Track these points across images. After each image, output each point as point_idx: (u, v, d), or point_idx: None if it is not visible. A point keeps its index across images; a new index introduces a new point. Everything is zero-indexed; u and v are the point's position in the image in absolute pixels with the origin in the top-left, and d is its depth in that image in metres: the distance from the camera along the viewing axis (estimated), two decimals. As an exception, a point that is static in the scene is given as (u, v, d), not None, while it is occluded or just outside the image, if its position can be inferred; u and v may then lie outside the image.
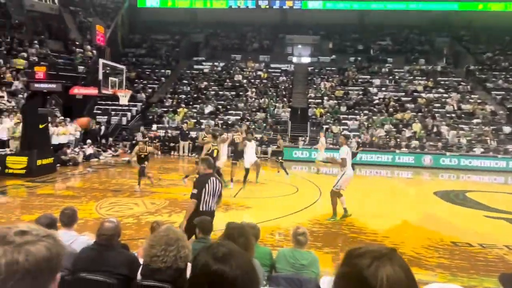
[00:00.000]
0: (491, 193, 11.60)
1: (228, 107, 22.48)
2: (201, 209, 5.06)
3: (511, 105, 21.23)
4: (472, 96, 22.39)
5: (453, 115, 20.85)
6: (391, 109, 21.42)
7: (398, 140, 18.82)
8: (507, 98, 21.89)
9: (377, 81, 24.49)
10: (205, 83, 24.82)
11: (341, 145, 8.35)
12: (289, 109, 22.21)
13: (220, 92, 23.92)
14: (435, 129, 19.58)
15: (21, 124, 12.93)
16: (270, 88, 24.20)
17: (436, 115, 20.79)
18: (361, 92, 23.44)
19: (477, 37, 28.17)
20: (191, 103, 22.77)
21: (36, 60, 19.96)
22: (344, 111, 21.77)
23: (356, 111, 21.61)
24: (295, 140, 19.60)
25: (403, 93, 23.26)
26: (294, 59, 28.22)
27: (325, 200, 9.82)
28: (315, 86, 24.43)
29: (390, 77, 25.02)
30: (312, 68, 26.79)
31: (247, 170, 11.04)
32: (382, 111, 21.43)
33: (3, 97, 15.67)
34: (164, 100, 23.17)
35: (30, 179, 10.78)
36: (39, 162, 11.45)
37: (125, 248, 3.16)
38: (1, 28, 20.98)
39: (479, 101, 21.71)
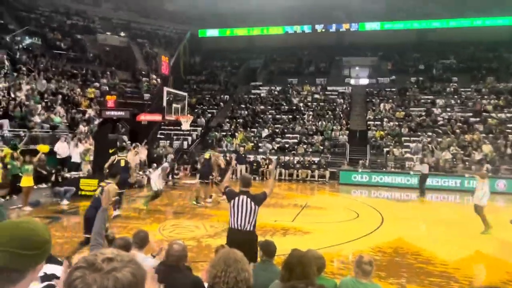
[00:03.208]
0: None
1: (285, 130, 22.48)
2: (231, 225, 5.07)
3: None
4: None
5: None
6: (457, 130, 20.18)
7: (467, 163, 17.60)
8: None
9: (441, 101, 23.30)
10: (262, 107, 25.10)
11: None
12: (347, 132, 21.72)
13: (277, 116, 24.02)
14: (508, 151, 18.08)
15: (92, 148, 13.81)
16: (328, 111, 23.90)
17: (510, 136, 19.24)
18: (423, 113, 22.38)
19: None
20: (248, 127, 23.07)
21: (107, 89, 21.44)
22: (405, 133, 20.87)
23: (419, 133, 20.60)
24: (354, 164, 19.03)
25: (471, 113, 21.84)
26: (352, 81, 27.73)
27: (387, 226, 9.41)
28: (374, 107, 23.75)
29: (456, 97, 23.69)
30: (370, 89, 26.07)
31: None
32: (448, 132, 20.23)
33: (79, 123, 16.84)
34: (223, 124, 23.68)
35: None
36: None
37: (189, 270, 3.22)
38: (78, 61, 22.94)
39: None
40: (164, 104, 15.50)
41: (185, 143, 21.69)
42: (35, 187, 10.96)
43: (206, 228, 8.71)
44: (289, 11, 29.51)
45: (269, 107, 25.18)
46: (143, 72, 25.44)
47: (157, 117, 17.91)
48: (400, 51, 28.91)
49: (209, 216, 10.01)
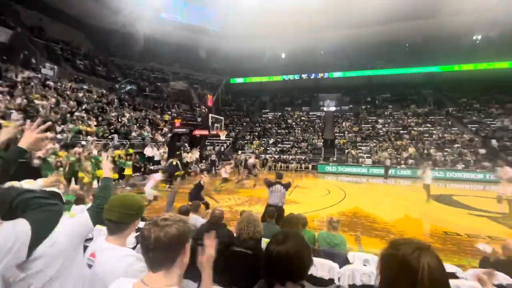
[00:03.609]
0: (472, 197, 9.98)
1: (284, 139, 22.33)
2: (269, 202, 4.91)
3: (484, 133, 18.44)
4: (452, 128, 19.88)
5: (439, 142, 18.60)
6: (392, 138, 19.75)
7: (398, 159, 17.19)
8: (480, 129, 19.09)
9: (381, 120, 22.85)
10: (269, 125, 25.09)
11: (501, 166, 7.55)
12: (322, 140, 21.46)
13: (279, 131, 24.00)
14: (426, 152, 17.60)
15: (167, 151, 14.01)
16: (310, 127, 23.68)
17: (426, 141, 18.72)
18: (370, 128, 21.99)
19: (454, 87, 25.19)
20: (261, 137, 23.07)
21: (175, 115, 21.77)
22: (359, 141, 20.51)
23: (368, 140, 20.23)
24: (326, 159, 18.75)
25: (400, 128, 21.35)
26: (325, 109, 27.22)
27: (348, 199, 9.25)
28: (338, 125, 23.45)
29: (391, 117, 23.22)
30: (336, 113, 25.75)
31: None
32: (386, 140, 19.82)
33: (157, 136, 17.09)
34: (245, 136, 23.77)
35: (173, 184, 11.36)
36: (177, 173, 12.16)
37: (225, 226, 3.20)
38: (158, 99, 23.34)
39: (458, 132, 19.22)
40: (209, 124, 15.68)
41: (222, 148, 21.86)
42: (133, 175, 11.21)
43: (235, 200, 8.74)
44: (285, 66, 29.58)
45: (274, 125, 25.18)
46: (197, 105, 25.75)
47: (205, 132, 18.09)
48: (355, 89, 28.46)
49: (237, 193, 10.01)
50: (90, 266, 1.32)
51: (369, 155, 18.18)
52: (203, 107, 25.38)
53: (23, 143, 1.43)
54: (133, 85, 22.34)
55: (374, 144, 19.39)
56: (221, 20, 27.19)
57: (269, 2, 23.27)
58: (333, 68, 28.39)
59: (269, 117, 26.79)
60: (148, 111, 20.14)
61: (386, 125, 22.00)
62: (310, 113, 26.41)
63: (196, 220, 3.65)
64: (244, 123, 26.47)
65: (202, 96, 26.91)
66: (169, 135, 17.08)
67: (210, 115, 16.83)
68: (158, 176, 7.53)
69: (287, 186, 4.97)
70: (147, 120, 18.31)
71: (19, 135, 1.58)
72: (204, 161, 17.01)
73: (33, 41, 17.11)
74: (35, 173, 6.61)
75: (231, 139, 23.14)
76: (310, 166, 18.17)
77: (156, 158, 13.98)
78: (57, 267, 1.09)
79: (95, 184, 8.39)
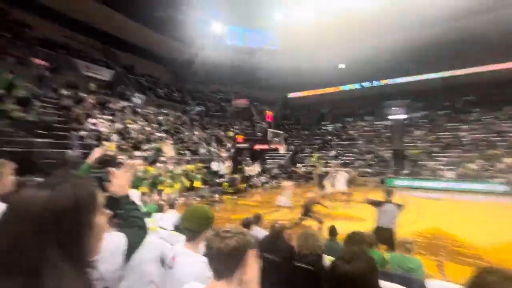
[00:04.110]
0: None
1: (345, 151, 21.17)
2: (379, 224, 4.43)
3: None
4: None
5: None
6: (482, 147, 16.59)
7: (491, 171, 14.29)
8: None
9: (465, 126, 19.53)
10: (329, 137, 24.23)
11: None
12: (392, 151, 19.49)
13: (339, 142, 22.91)
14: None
15: (230, 165, 14.81)
16: (374, 138, 21.91)
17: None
18: (450, 136, 19.00)
19: None
20: (321, 150, 22.38)
21: (238, 132, 23.04)
22: (436, 151, 17.91)
23: (447, 150, 17.48)
24: (397, 172, 16.90)
25: (493, 134, 17.73)
26: (392, 117, 24.73)
27: (424, 217, 8.14)
28: (408, 134, 21.03)
29: (478, 123, 19.59)
30: (406, 121, 23.17)
31: None
32: (473, 149, 16.77)
33: (222, 152, 18.29)
34: (305, 149, 23.43)
35: (236, 195, 11.95)
36: (239, 186, 12.74)
37: (287, 239, 3.19)
38: (222, 117, 25.17)
39: None
40: (269, 138, 16.08)
41: (282, 161, 21.92)
42: (201, 186, 12.26)
43: (296, 213, 8.58)
44: (344, 76, 28.44)
45: (334, 137, 24.18)
46: (257, 121, 26.73)
47: (265, 146, 18.56)
48: (427, 94, 24.95)
49: (298, 206, 9.84)
50: (171, 267, 1.48)
51: (451, 167, 15.67)
52: (263, 122, 26.19)
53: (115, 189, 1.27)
54: (201, 107, 24.71)
55: (458, 154, 16.65)
56: (278, 38, 28.20)
57: (325, 14, 23.16)
58: (398, 73, 25.96)
59: (329, 129, 25.86)
60: (214, 129, 21.91)
61: (472, 132, 18.70)
62: (375, 123, 24.49)
63: (258, 232, 3.79)
64: (303, 136, 26.14)
65: (261, 112, 27.85)
66: (232, 150, 18.05)
67: (269, 130, 17.28)
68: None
69: (400, 207, 4.51)
70: (214, 137, 19.91)
71: (108, 152, 1.97)
72: (265, 174, 17.38)
73: (127, 77, 20.92)
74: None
75: (290, 152, 23.12)
76: (377, 179, 16.67)
77: (221, 172, 14.88)
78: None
79: (172, 193, 9.53)
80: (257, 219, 4.10)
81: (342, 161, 19.84)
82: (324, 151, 21.96)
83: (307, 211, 6.81)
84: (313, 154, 21.57)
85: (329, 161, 20.17)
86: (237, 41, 28.49)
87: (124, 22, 21.10)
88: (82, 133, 11.65)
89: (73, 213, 0.56)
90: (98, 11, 19.69)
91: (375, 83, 27.16)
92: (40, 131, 10.08)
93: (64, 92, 13.82)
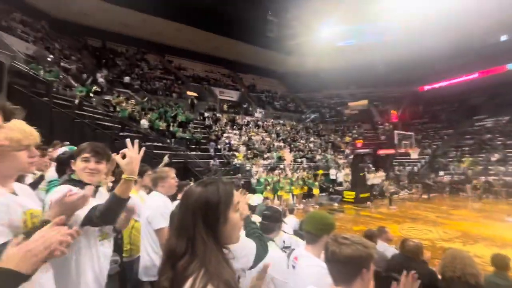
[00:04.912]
0: None
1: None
2: None
3: None
4: None
5: None
6: None
7: None
8: None
9: None
10: (488, 135, 18.17)
11: None
12: None
13: (508, 142, 16.73)
14: None
15: (350, 172, 13.83)
16: None
17: None
18: None
19: None
20: (475, 153, 17.12)
21: (356, 136, 21.42)
22: None
23: None
24: None
25: None
26: None
27: None
28: None
29: None
30: None
31: None
32: None
33: (338, 158, 17.39)
34: (448, 152, 18.65)
35: (356, 205, 11.01)
36: (361, 195, 11.66)
37: (425, 263, 2.65)
38: (338, 122, 24.08)
39: None
40: (396, 142, 13.99)
41: (416, 168, 18.33)
42: (320, 194, 12.03)
43: (439, 233, 6.91)
44: (507, 51, 20.75)
45: (497, 135, 17.93)
46: (379, 122, 23.92)
47: (391, 151, 16.31)
48: None
49: (442, 224, 7.91)
50: (293, 267, 1.58)
51: None
52: (387, 124, 23.09)
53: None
54: (316, 114, 24.71)
55: None
56: (394, 28, 24.32)
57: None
58: None
59: (488, 124, 19.50)
60: (330, 135, 21.30)
61: None
62: None
63: (386, 249, 3.32)
64: (445, 136, 21.01)
65: (384, 112, 24.67)
66: (351, 156, 16.97)
67: (395, 131, 15.02)
68: None
69: None
70: (330, 143, 19.34)
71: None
72: (393, 182, 15.11)
73: (250, 95, 23.96)
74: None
75: (427, 156, 19.07)
76: None
77: (338, 180, 14.25)
78: None
79: (290, 199, 9.94)
80: (381, 233, 3.61)
81: (509, 166, 14.34)
82: (481, 155, 16.66)
83: None
84: (463, 159, 16.77)
85: (490, 167, 15.07)
86: (349, 40, 26.77)
87: (243, 47, 24.41)
88: (219, 146, 14.21)
89: (215, 204, 0.76)
90: (224, 43, 23.72)
91: None
92: (192, 146, 13.10)
93: (206, 114, 17.42)
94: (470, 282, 1.84)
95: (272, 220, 1.97)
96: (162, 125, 13.06)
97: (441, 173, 16.64)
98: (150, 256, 2.19)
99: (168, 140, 12.39)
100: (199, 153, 13.03)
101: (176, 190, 2.52)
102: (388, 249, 3.31)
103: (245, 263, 1.08)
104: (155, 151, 9.87)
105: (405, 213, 9.56)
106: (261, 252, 1.17)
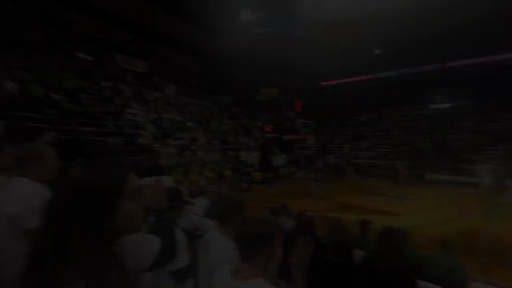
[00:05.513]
0: None
1: (379, 143, 19.89)
2: None
3: None
4: None
5: None
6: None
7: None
8: None
9: None
10: (362, 127, 22.78)
11: None
12: (434, 143, 17.82)
13: (374, 133, 21.47)
14: None
15: (259, 154, 14.78)
16: (413, 129, 20.20)
17: None
18: (504, 128, 16.78)
19: None
20: (352, 141, 21.18)
21: (266, 121, 22.74)
22: (484, 144, 16.00)
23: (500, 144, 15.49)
24: None
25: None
26: (434, 106, 22.65)
27: (470, 216, 7.36)
28: (453, 124, 19.01)
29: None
30: (451, 111, 20.94)
31: None
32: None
33: (250, 141, 18.18)
34: (335, 140, 22.44)
35: (263, 184, 11.84)
36: (267, 175, 12.54)
37: (315, 232, 3.00)
38: (250, 107, 24.83)
39: None
40: (298, 128, 15.66)
41: (311, 151, 21.25)
42: (230, 175, 12.27)
43: (323, 206, 8.26)
44: (381, 62, 26.40)
45: (367, 127, 22.81)
46: (286, 111, 26.00)
47: (294, 137, 18.12)
48: (477, 81, 22.23)
49: (327, 198, 9.47)
50: (205, 250, 1.59)
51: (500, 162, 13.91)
52: (292, 112, 25.62)
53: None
54: (230, 96, 24.79)
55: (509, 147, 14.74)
56: (309, 25, 26.95)
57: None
58: (442, 57, 23.43)
59: (362, 119, 24.41)
60: (242, 119, 21.93)
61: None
62: (413, 112, 22.53)
63: (285, 222, 3.70)
64: (334, 127, 25.12)
65: (291, 101, 27.22)
66: (261, 140, 17.95)
67: (298, 120, 16.84)
68: None
69: None
70: (242, 127, 19.96)
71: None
72: (294, 164, 17.09)
73: (160, 69, 21.68)
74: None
75: (319, 142, 22.38)
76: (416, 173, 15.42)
77: (248, 162, 14.88)
78: None
79: (201, 181, 9.77)
80: (284, 209, 4.02)
81: (375, 152, 18.75)
82: (355, 142, 20.91)
83: None
84: (343, 145, 20.67)
85: (360, 152, 19.20)
86: (266, 29, 27.83)
87: (157, 15, 21.67)
88: (121, 122, 12.38)
89: (99, 191, 0.62)
90: (133, 5, 20.40)
91: (416, 68, 24.86)
92: (85, 121, 10.91)
93: (105, 84, 14.74)
94: (348, 245, 2.21)
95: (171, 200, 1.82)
96: (39, 90, 10.25)
97: (330, 156, 20.08)
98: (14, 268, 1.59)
99: (49, 112, 9.86)
100: (95, 129, 11.02)
101: (54, 174, 1.95)
102: (287, 223, 3.72)
103: (137, 265, 0.90)
104: (28, 124, 7.68)
105: (302, 191, 10.88)
106: (164, 255, 1.05)
